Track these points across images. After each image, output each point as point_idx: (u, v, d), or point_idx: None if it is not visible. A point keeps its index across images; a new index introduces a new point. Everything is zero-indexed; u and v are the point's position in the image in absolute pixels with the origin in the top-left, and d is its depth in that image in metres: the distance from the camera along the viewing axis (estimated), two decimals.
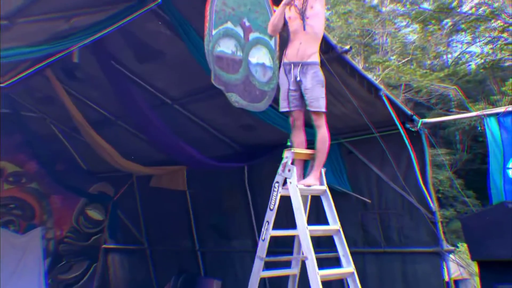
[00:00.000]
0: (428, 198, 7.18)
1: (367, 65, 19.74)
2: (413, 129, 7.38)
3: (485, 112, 6.91)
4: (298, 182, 4.44)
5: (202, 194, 10.54)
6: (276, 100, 5.48)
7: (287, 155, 4.59)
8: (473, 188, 13.97)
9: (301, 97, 4.72)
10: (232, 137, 9.48)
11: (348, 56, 6.88)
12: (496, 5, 17.47)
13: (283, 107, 4.83)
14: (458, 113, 9.64)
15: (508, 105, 7.60)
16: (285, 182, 4.51)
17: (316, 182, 4.61)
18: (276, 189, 4.57)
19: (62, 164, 11.14)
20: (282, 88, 4.86)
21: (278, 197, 4.54)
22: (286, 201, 4.51)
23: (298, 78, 4.63)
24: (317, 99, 4.60)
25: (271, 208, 4.53)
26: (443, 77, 17.04)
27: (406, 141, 7.08)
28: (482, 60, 19.02)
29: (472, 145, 16.80)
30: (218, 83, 5.45)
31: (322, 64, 5.12)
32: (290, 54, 4.75)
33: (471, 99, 16.88)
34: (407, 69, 16.99)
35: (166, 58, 7.51)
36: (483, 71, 18.51)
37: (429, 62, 20.93)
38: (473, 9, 18.58)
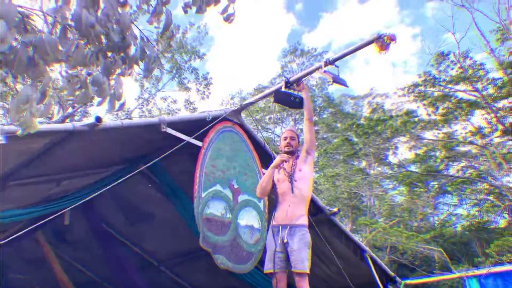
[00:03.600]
0: None
1: (354, 227, 19.83)
2: None
3: (467, 274, 6.92)
4: None
5: None
6: (261, 262, 5.45)
7: None
8: None
9: (287, 258, 4.67)
10: None
11: (337, 218, 7.03)
12: (482, 168, 18.07)
13: (268, 268, 4.73)
14: (441, 274, 9.64)
15: (491, 266, 7.62)
16: None
17: None
18: None
19: None
20: (268, 250, 4.83)
21: None
22: None
23: (286, 240, 4.63)
24: (302, 260, 4.55)
25: None
26: (429, 238, 17.08)
27: None
28: (469, 222, 19.13)
29: None
30: (207, 245, 5.44)
31: (311, 226, 5.17)
32: (279, 217, 4.75)
33: (455, 260, 16.82)
34: (393, 230, 17.06)
35: (156, 220, 7.58)
36: (468, 233, 18.57)
37: (416, 224, 21.06)
38: (459, 172, 19.14)
